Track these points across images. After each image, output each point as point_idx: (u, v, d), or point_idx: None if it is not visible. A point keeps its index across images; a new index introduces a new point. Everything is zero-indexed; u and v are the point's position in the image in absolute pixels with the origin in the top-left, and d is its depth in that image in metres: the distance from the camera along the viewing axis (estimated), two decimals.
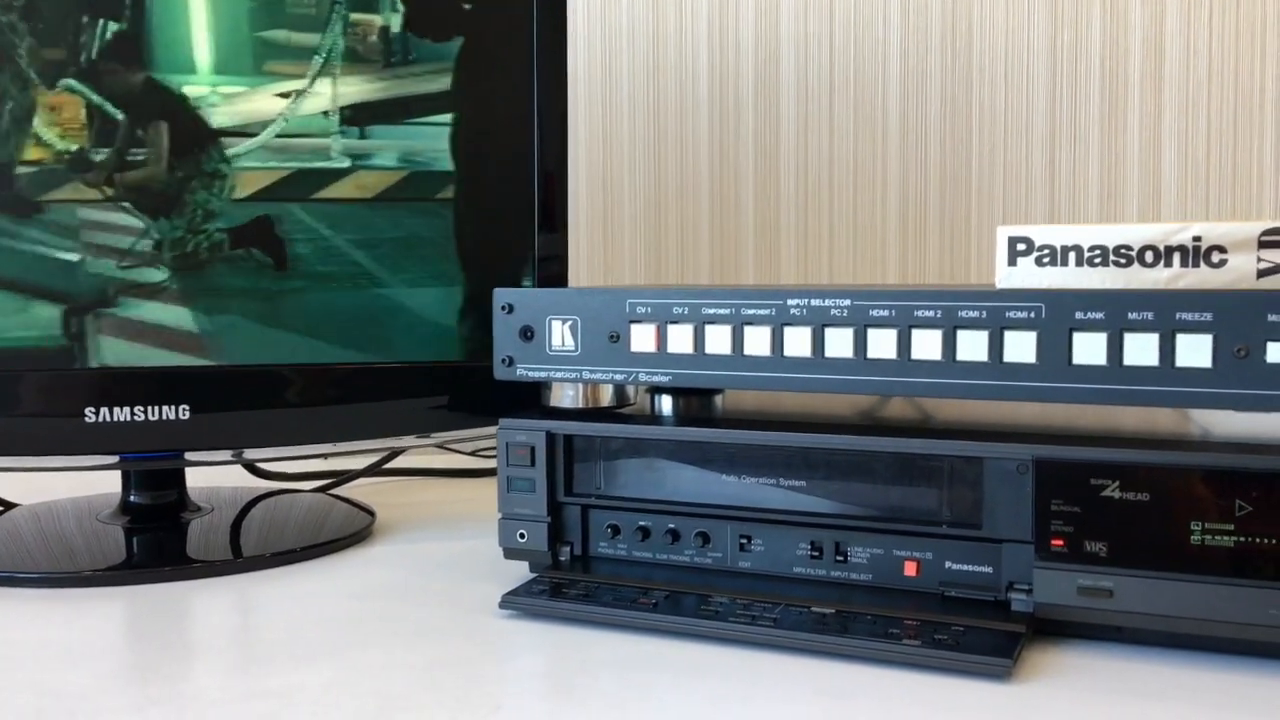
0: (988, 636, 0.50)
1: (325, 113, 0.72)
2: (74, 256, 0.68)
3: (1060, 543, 0.51)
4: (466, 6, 0.74)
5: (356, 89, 0.72)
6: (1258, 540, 0.48)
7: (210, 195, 0.69)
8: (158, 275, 0.69)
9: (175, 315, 0.70)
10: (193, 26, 0.70)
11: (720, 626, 0.53)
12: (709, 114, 1.09)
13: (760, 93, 1.08)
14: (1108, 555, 0.50)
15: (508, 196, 0.76)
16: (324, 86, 0.72)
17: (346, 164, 0.73)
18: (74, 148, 0.67)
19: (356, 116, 0.73)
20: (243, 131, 0.71)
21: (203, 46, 0.70)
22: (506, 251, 0.76)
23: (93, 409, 0.67)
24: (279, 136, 0.71)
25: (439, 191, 0.75)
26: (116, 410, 0.68)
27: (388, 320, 0.74)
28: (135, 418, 0.68)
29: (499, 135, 0.76)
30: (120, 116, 0.68)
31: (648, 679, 0.49)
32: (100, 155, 0.68)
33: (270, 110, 0.71)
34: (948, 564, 0.54)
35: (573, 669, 0.51)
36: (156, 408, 0.68)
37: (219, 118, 0.70)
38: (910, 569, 0.55)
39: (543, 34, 0.76)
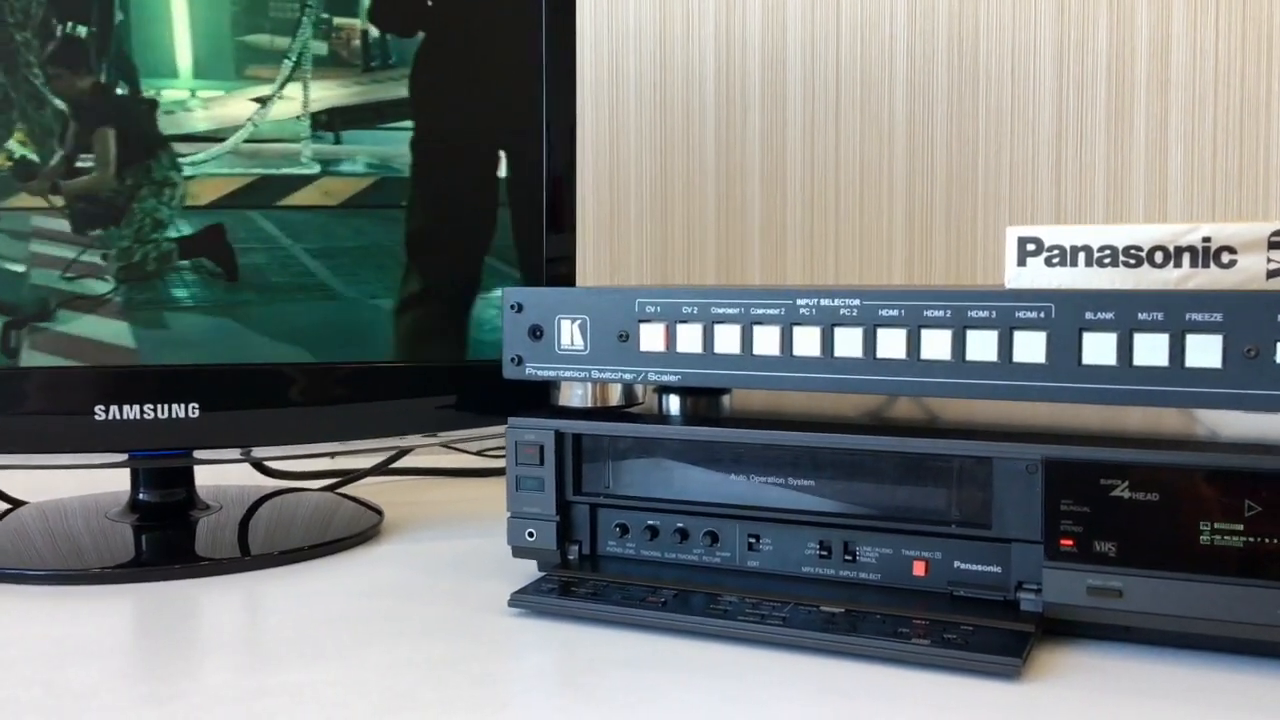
0: (997, 636, 0.50)
1: (297, 117, 0.71)
2: (19, 267, 0.67)
3: (1070, 543, 0.51)
4: (429, 3, 0.73)
5: (331, 93, 0.72)
6: (1267, 540, 0.48)
7: (160, 204, 0.68)
8: (102, 287, 0.68)
9: (114, 329, 0.69)
10: (159, 31, 0.69)
11: (729, 625, 0.53)
12: (715, 114, 1.09)
13: (767, 94, 1.08)
14: (1117, 555, 0.50)
15: (473, 199, 0.75)
16: (295, 91, 0.71)
17: (316, 170, 0.72)
18: (28, 154, 0.67)
19: (330, 121, 0.72)
20: (210, 137, 0.70)
21: (170, 51, 0.69)
22: (464, 258, 0.76)
23: (102, 407, 0.68)
24: (248, 141, 0.70)
25: (403, 198, 0.74)
26: (126, 408, 0.68)
27: (343, 329, 0.73)
28: (145, 416, 0.68)
29: (501, 139, 0.76)
30: (72, 122, 0.67)
31: (657, 678, 0.49)
32: (50, 161, 0.67)
33: (239, 115, 0.70)
34: (957, 564, 0.55)
35: (581, 667, 0.51)
36: (166, 406, 0.68)
37: (178, 123, 0.69)
38: (919, 569, 0.55)
39: (551, 35, 0.76)
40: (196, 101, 0.70)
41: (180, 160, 0.69)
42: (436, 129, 0.74)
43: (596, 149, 1.12)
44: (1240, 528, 0.48)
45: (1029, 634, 0.51)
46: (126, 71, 0.68)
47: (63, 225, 0.68)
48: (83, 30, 0.67)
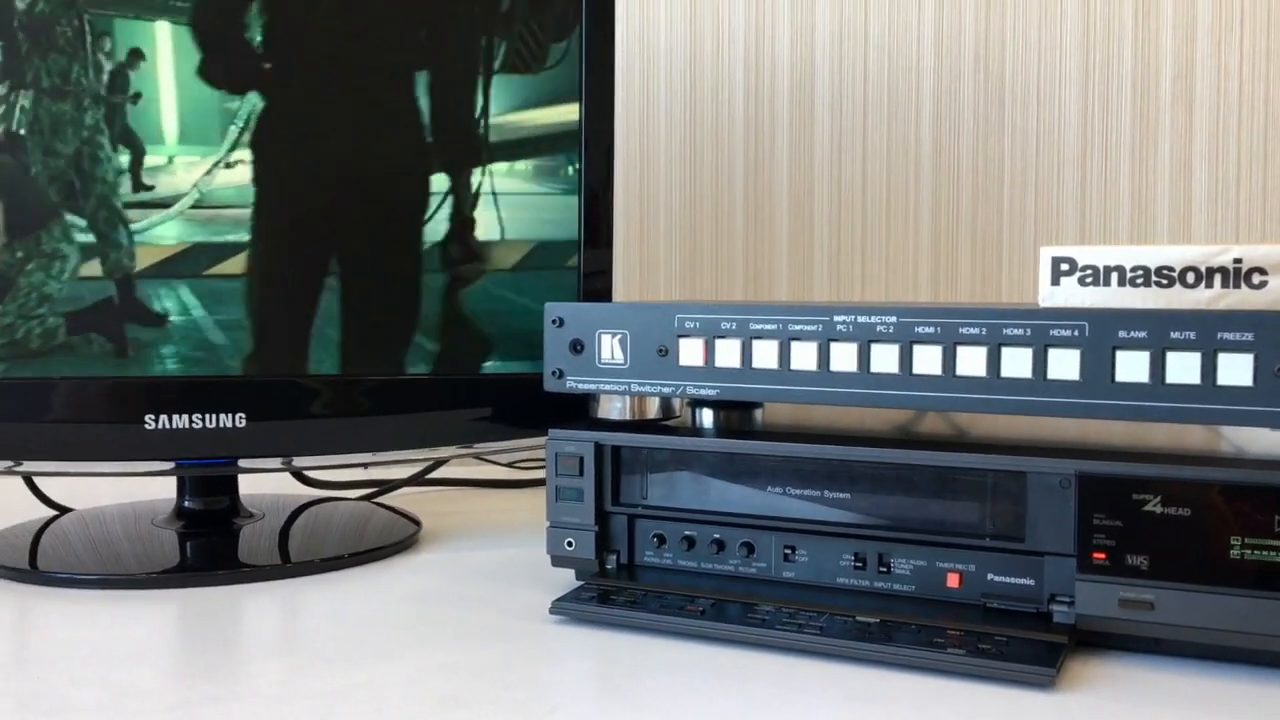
0: (1030, 647, 0.51)
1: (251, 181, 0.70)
2: None
3: (1102, 556, 0.52)
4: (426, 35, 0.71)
5: None
6: None
7: (49, 277, 0.66)
8: None
9: None
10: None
11: (767, 634, 0.54)
12: (744, 133, 1.11)
13: (795, 113, 1.09)
14: (1149, 568, 0.51)
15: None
16: (242, 154, 0.70)
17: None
18: None
19: None
20: (156, 204, 0.69)
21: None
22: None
23: (152, 416, 0.69)
24: (194, 208, 0.69)
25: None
26: (176, 417, 0.70)
27: None
28: (193, 425, 0.70)
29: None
30: None
31: (696, 684, 0.51)
32: None
33: (184, 183, 0.69)
34: (990, 576, 0.56)
35: (623, 673, 0.52)
36: (214, 415, 0.70)
37: (123, 191, 0.68)
38: (953, 581, 0.56)
39: (590, 55, 0.77)
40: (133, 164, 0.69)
41: (74, 230, 0.66)
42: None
43: (627, 166, 1.13)
44: (1271, 543, 0.49)
45: (1062, 645, 0.52)
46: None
47: None
48: None
